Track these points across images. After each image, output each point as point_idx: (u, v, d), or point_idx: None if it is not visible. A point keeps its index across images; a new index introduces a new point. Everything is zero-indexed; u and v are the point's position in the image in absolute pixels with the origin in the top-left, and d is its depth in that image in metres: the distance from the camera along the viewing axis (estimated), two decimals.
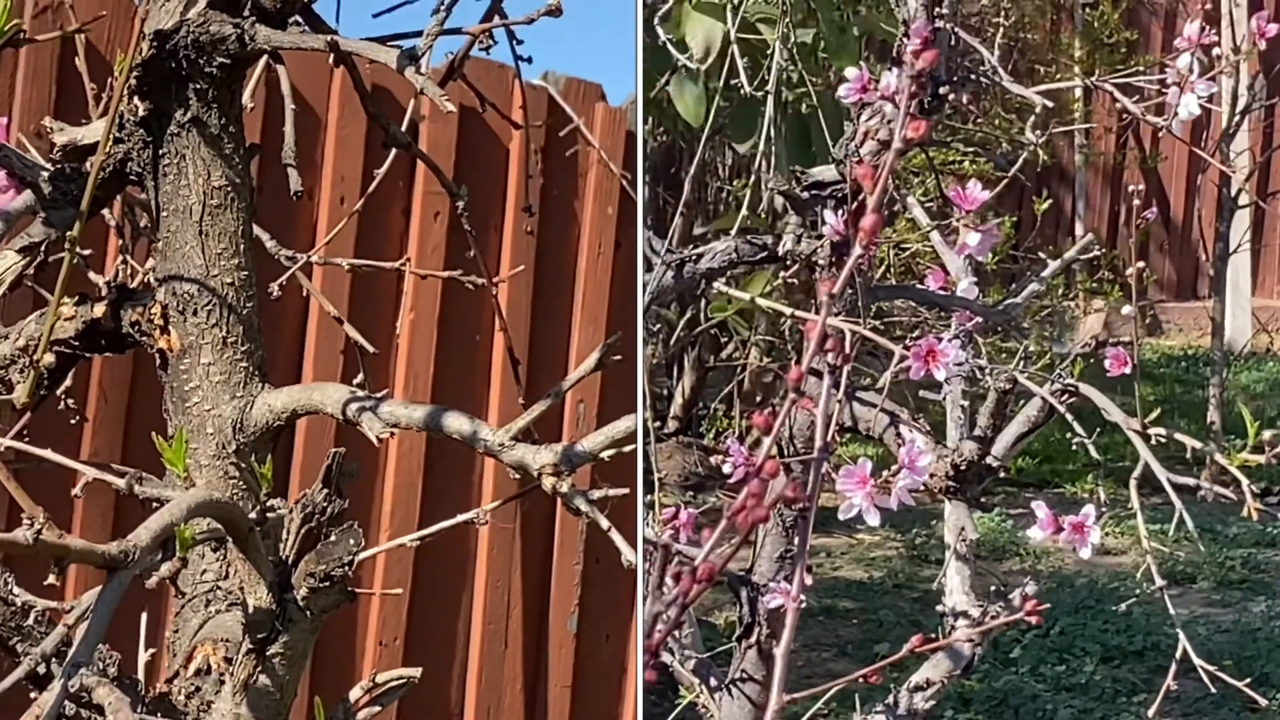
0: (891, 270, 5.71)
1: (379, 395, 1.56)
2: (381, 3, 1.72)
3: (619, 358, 1.54)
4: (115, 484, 1.38)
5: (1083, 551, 1.75)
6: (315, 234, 3.20)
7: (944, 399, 2.25)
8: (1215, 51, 1.71)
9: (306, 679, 2.74)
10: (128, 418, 3.05)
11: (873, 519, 1.31)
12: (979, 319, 2.11)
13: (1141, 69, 1.75)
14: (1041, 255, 2.51)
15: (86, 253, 1.83)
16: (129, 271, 1.96)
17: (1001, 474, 2.10)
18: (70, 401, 2.02)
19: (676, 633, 2.11)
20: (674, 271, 2.12)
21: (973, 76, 1.90)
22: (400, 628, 3.37)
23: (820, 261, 2.00)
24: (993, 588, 2.20)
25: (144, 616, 1.83)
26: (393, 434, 1.55)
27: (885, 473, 1.31)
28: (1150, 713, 1.96)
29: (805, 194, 2.02)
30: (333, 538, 1.42)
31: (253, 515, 1.40)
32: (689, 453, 6.16)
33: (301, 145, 1.57)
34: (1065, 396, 2.02)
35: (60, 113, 2.74)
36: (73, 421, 2.11)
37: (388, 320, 3.34)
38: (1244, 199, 7.22)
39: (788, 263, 2.05)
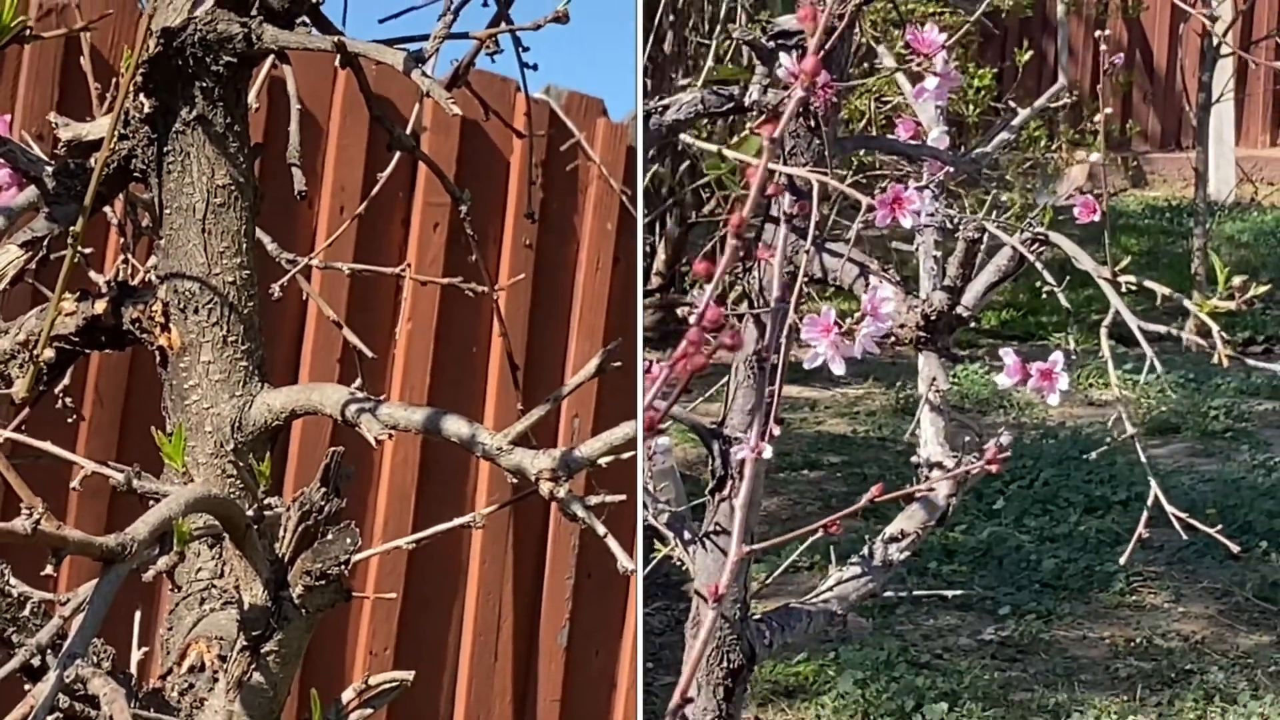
0: (874, 123, 5.67)
1: (378, 398, 1.56)
2: (388, 7, 1.72)
3: (619, 364, 1.54)
4: (114, 478, 1.37)
5: (1050, 398, 1.75)
6: (314, 243, 3.20)
7: (916, 250, 2.24)
8: None
9: (296, 686, 2.74)
10: (123, 423, 3.05)
11: (837, 368, 1.31)
12: (949, 169, 2.09)
13: None
14: (1012, 104, 2.51)
15: (88, 251, 1.83)
16: (130, 271, 1.97)
17: (973, 324, 2.08)
18: (69, 400, 2.02)
19: (652, 488, 2.09)
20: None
21: None
22: (391, 638, 3.36)
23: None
24: (966, 439, 2.18)
25: (137, 617, 1.82)
26: (390, 436, 1.55)
27: (849, 320, 1.31)
28: (1122, 560, 1.98)
29: (771, 43, 1.98)
30: (329, 536, 1.42)
31: (250, 512, 1.40)
32: (673, 310, 6.16)
33: (303, 153, 1.57)
34: (1035, 245, 1.99)
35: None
36: (70, 420, 2.11)
37: (385, 329, 3.34)
38: (1226, 48, 7.14)
39: (753, 114, 2.02)
